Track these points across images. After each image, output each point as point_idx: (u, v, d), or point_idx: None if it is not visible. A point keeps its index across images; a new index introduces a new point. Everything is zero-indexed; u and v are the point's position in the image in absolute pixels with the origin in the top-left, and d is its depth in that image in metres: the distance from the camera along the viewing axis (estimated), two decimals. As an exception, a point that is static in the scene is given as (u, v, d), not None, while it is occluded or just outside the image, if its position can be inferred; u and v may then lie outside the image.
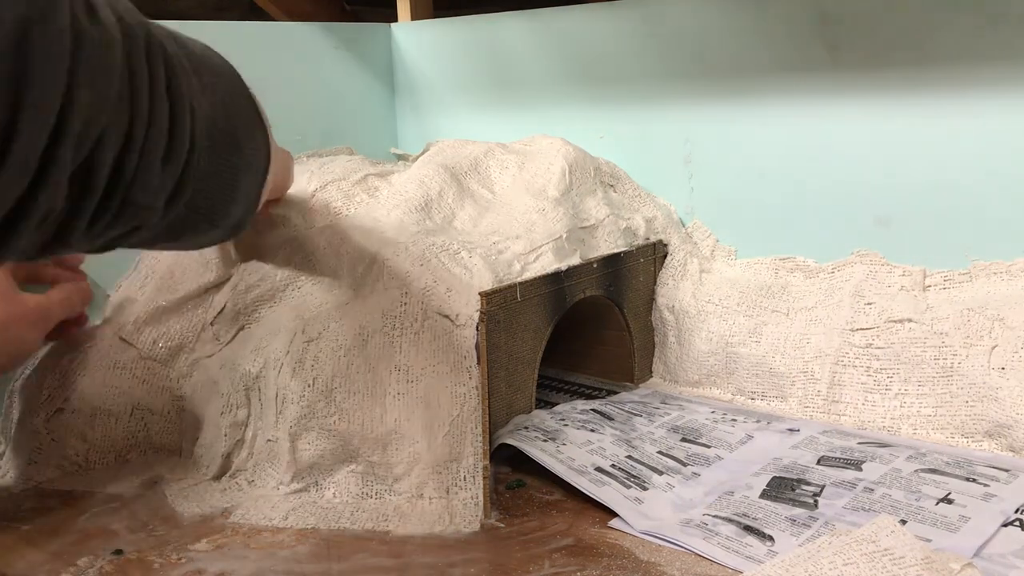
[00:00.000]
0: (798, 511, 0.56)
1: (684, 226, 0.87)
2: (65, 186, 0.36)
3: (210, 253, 0.73)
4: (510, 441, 0.64)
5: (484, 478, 0.60)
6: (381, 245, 0.69)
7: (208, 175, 0.46)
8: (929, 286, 0.73)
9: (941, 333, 0.68)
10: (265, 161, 0.52)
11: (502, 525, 0.58)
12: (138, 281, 0.75)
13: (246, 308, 0.69)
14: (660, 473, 0.62)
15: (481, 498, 0.59)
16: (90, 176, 0.37)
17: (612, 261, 0.78)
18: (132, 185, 0.39)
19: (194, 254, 0.74)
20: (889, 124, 0.75)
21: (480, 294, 0.63)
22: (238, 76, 0.51)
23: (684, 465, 0.64)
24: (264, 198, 0.55)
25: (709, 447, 0.67)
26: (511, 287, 0.66)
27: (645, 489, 0.60)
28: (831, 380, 0.72)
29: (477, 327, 0.62)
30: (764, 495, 0.59)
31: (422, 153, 0.96)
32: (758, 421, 0.71)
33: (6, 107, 0.32)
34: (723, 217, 0.86)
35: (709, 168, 0.86)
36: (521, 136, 0.92)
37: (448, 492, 0.60)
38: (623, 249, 0.79)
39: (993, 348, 0.66)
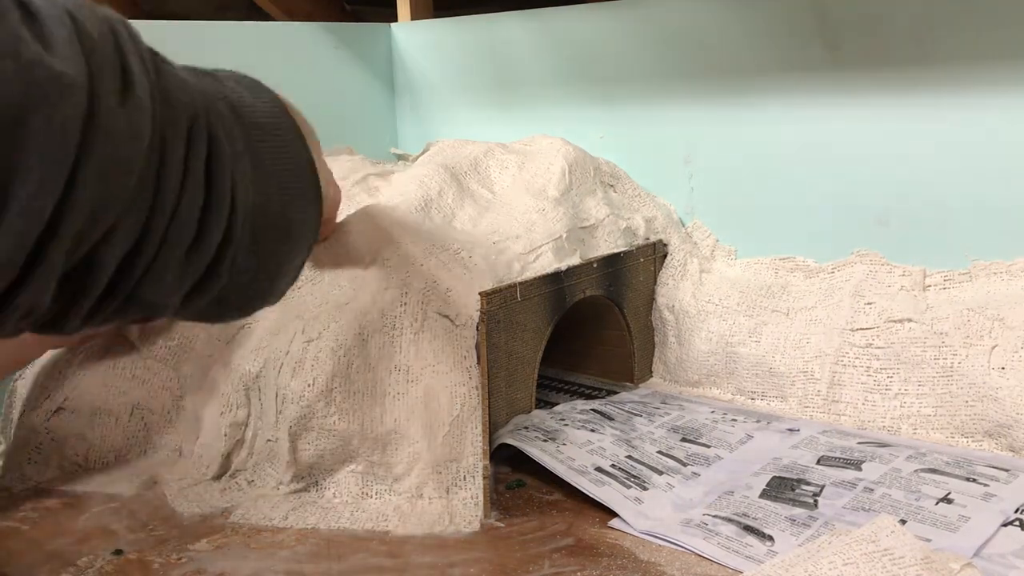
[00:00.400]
0: (798, 511, 0.56)
1: (684, 226, 0.87)
2: (53, 288, 0.32)
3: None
4: (510, 441, 0.64)
5: (484, 478, 0.60)
6: (381, 245, 0.69)
7: (245, 269, 0.40)
8: (929, 286, 0.73)
9: (941, 333, 0.68)
10: (315, 229, 0.47)
11: (502, 525, 0.58)
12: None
13: (246, 308, 0.69)
14: (660, 473, 0.62)
15: (481, 498, 0.59)
16: (89, 275, 0.33)
17: (612, 261, 0.78)
18: (142, 282, 0.35)
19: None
20: (889, 124, 0.75)
21: (480, 294, 0.63)
22: (292, 126, 0.45)
23: (684, 465, 0.64)
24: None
25: (709, 447, 0.67)
26: (511, 287, 0.66)
27: (645, 489, 0.60)
28: (831, 380, 0.72)
29: (477, 327, 0.62)
30: (764, 495, 0.59)
31: (422, 153, 0.96)
32: (758, 421, 0.71)
33: None
34: (723, 217, 0.86)
35: (709, 168, 0.86)
36: (521, 136, 0.92)
37: (448, 492, 0.60)
38: (623, 249, 0.79)
39: (993, 348, 0.66)
